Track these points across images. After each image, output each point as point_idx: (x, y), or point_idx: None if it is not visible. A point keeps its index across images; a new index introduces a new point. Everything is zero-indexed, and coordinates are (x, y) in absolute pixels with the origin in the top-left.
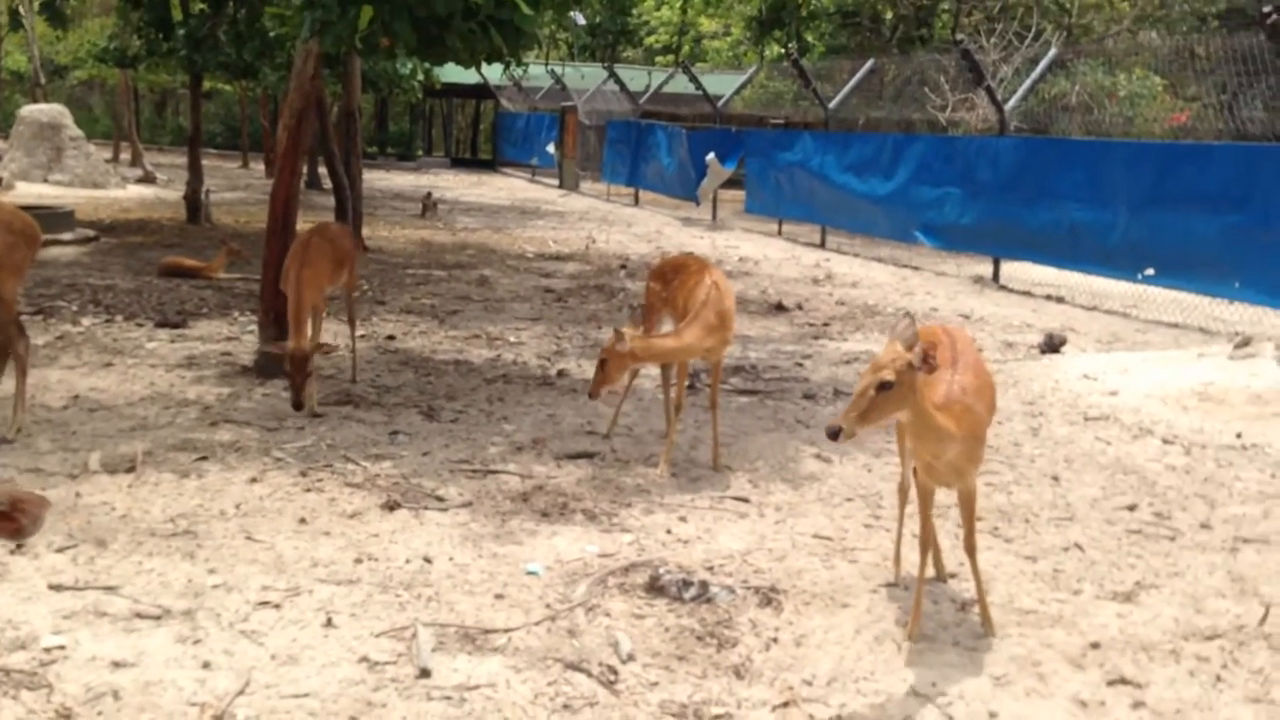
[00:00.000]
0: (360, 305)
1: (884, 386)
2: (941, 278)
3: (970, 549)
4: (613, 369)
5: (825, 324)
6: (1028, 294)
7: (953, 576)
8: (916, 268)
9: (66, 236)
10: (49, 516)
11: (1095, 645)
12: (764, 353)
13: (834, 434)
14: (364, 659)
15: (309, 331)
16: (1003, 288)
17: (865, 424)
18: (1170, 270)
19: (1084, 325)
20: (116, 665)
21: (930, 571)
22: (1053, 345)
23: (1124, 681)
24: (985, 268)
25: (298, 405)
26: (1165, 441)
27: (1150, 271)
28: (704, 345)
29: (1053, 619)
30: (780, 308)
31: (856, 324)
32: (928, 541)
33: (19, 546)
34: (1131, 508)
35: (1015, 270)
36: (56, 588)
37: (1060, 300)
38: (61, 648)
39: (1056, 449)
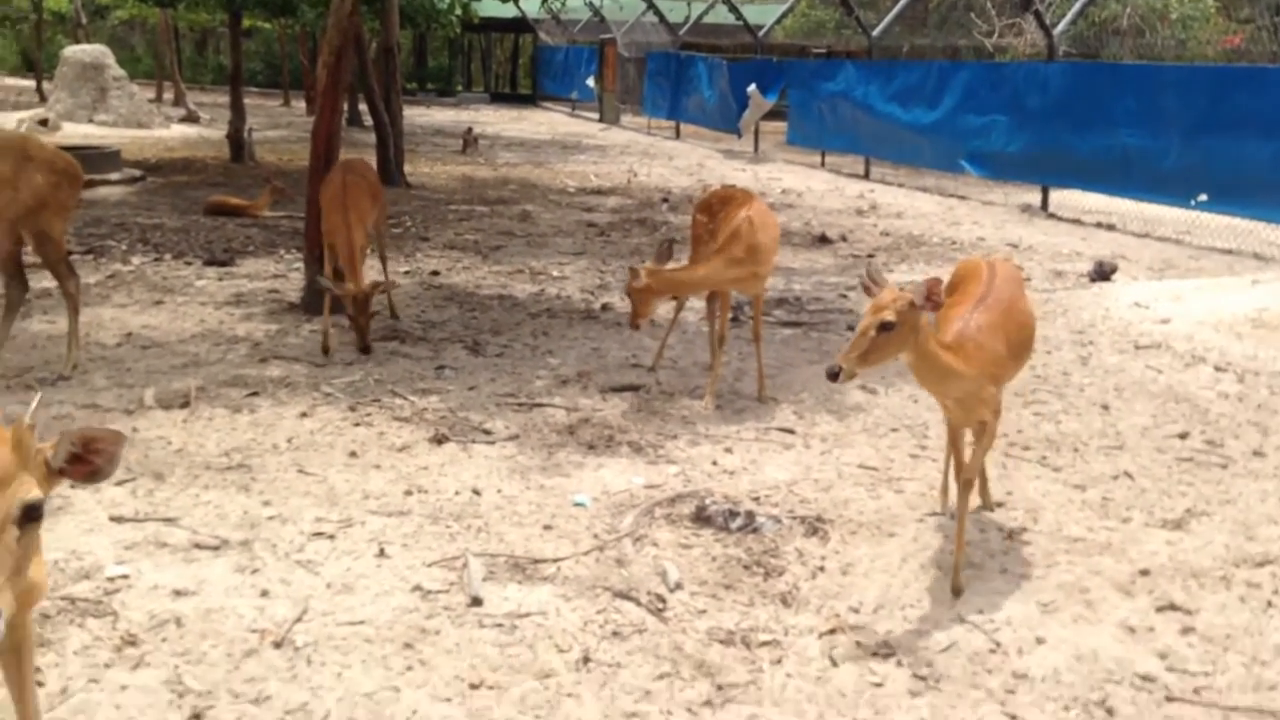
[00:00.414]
0: (404, 241)
1: (885, 327)
2: (988, 207)
3: (966, 483)
4: (639, 303)
5: (869, 255)
6: (1077, 222)
7: (999, 505)
8: (963, 197)
9: (113, 176)
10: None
11: (1144, 572)
12: (808, 285)
13: (834, 375)
14: (416, 588)
15: (361, 271)
16: (1051, 216)
17: (866, 365)
18: (1224, 196)
19: (1135, 253)
20: (178, 594)
21: (975, 501)
22: (1103, 273)
23: (1173, 608)
24: (1033, 196)
25: (364, 349)
26: (1218, 369)
27: (1203, 197)
28: (725, 278)
29: (1101, 546)
30: (824, 239)
31: (901, 255)
32: (969, 480)
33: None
34: (1183, 436)
35: (1064, 198)
36: (117, 519)
37: (1111, 228)
38: (125, 577)
39: (1106, 378)
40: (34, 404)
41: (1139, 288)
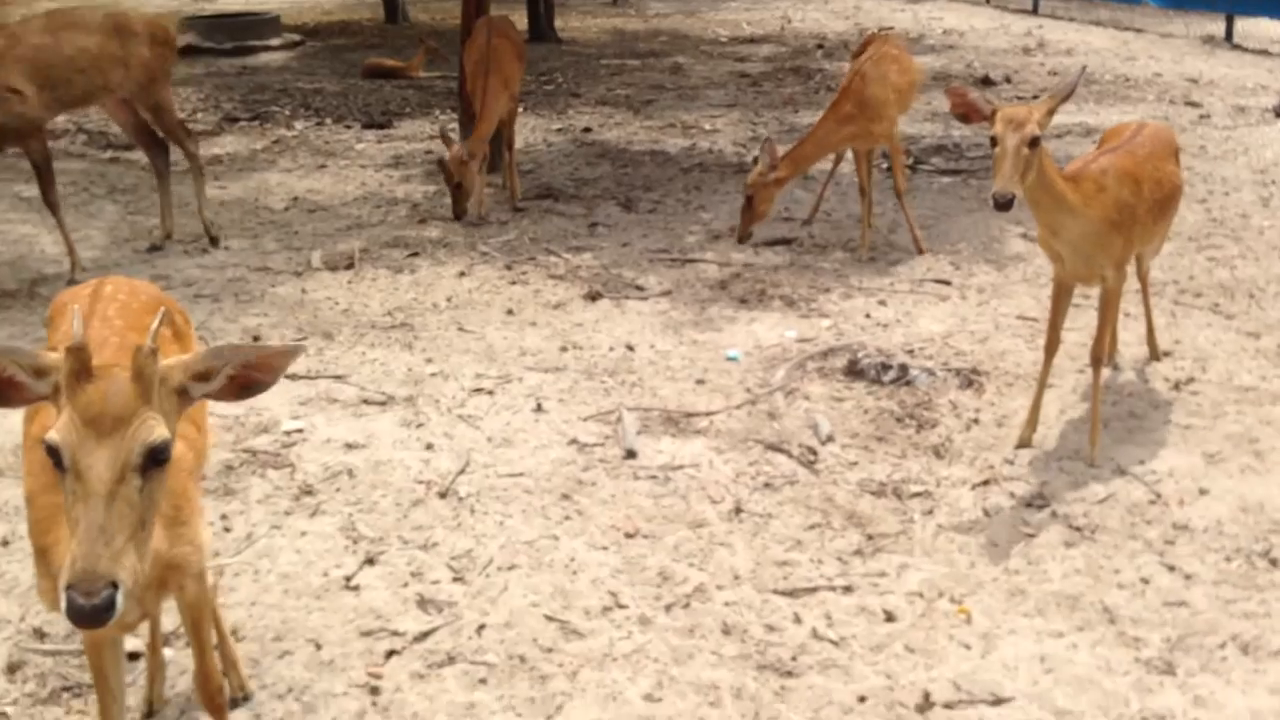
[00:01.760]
0: (555, 98)
1: (1035, 143)
2: (1167, 40)
3: (1096, 358)
4: (762, 200)
5: (1035, 96)
6: (1264, 53)
7: (1167, 354)
8: (1139, 30)
9: (274, 42)
10: (279, 311)
11: None
12: (968, 130)
13: (1005, 203)
14: (573, 441)
15: (488, 136)
16: (1236, 47)
17: (1025, 183)
18: None
19: None
20: (349, 447)
21: (1130, 356)
22: None
23: None
24: (1217, 26)
25: (456, 214)
26: None
27: None
28: (838, 138)
29: (1274, 396)
30: (987, 81)
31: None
32: (1053, 345)
33: (256, 340)
34: None
35: (1251, 27)
36: (291, 377)
37: None
38: (300, 431)
39: None
40: (155, 322)
41: None
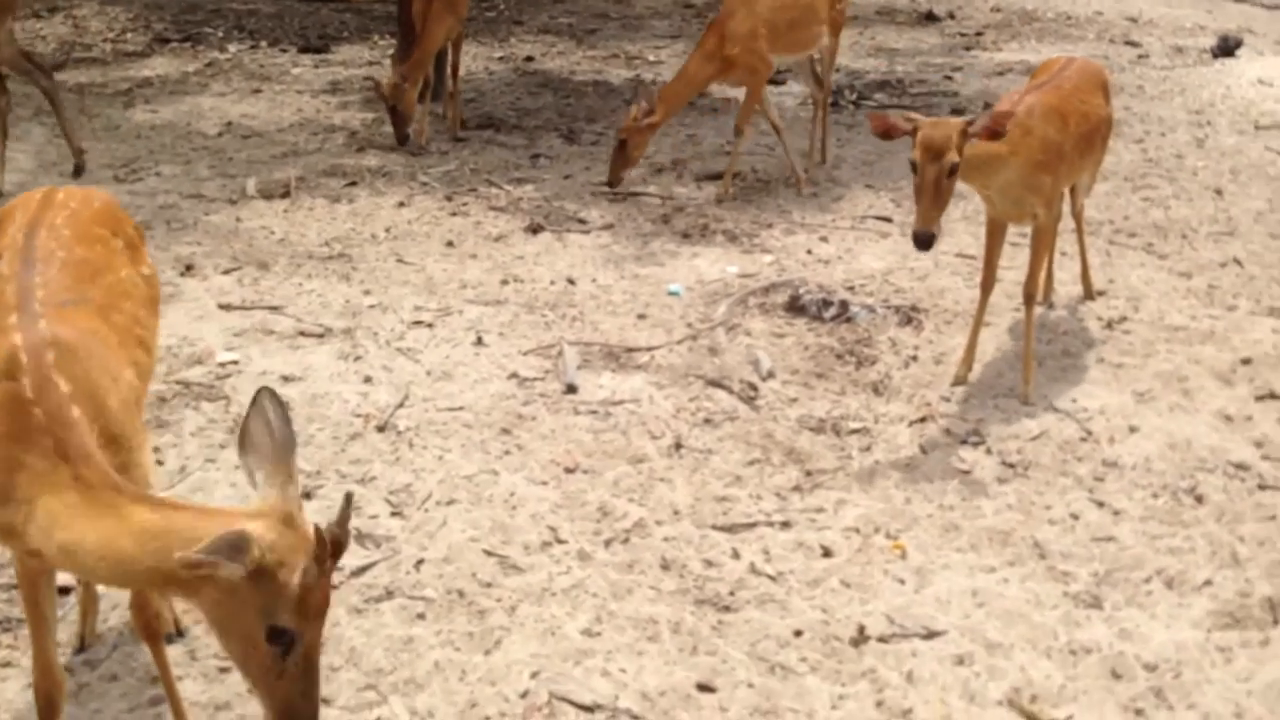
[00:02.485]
0: (497, 25)
1: (953, 172)
2: None
3: (1029, 296)
4: (635, 146)
5: (978, 33)
6: None
7: (1101, 294)
8: None
9: None
10: (213, 240)
11: (1246, 361)
12: (911, 66)
13: (927, 241)
14: (513, 375)
15: (428, 61)
16: None
17: (944, 210)
18: None
19: (1263, 25)
20: (286, 379)
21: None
22: (1226, 48)
23: (1273, 396)
24: None
25: (398, 139)
26: None
27: None
28: (706, 74)
29: (1204, 335)
30: (930, 17)
31: (1012, 32)
32: (988, 283)
33: (189, 269)
34: None
35: None
36: (226, 307)
37: None
38: (235, 363)
39: (1222, 160)
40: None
41: (1264, 63)
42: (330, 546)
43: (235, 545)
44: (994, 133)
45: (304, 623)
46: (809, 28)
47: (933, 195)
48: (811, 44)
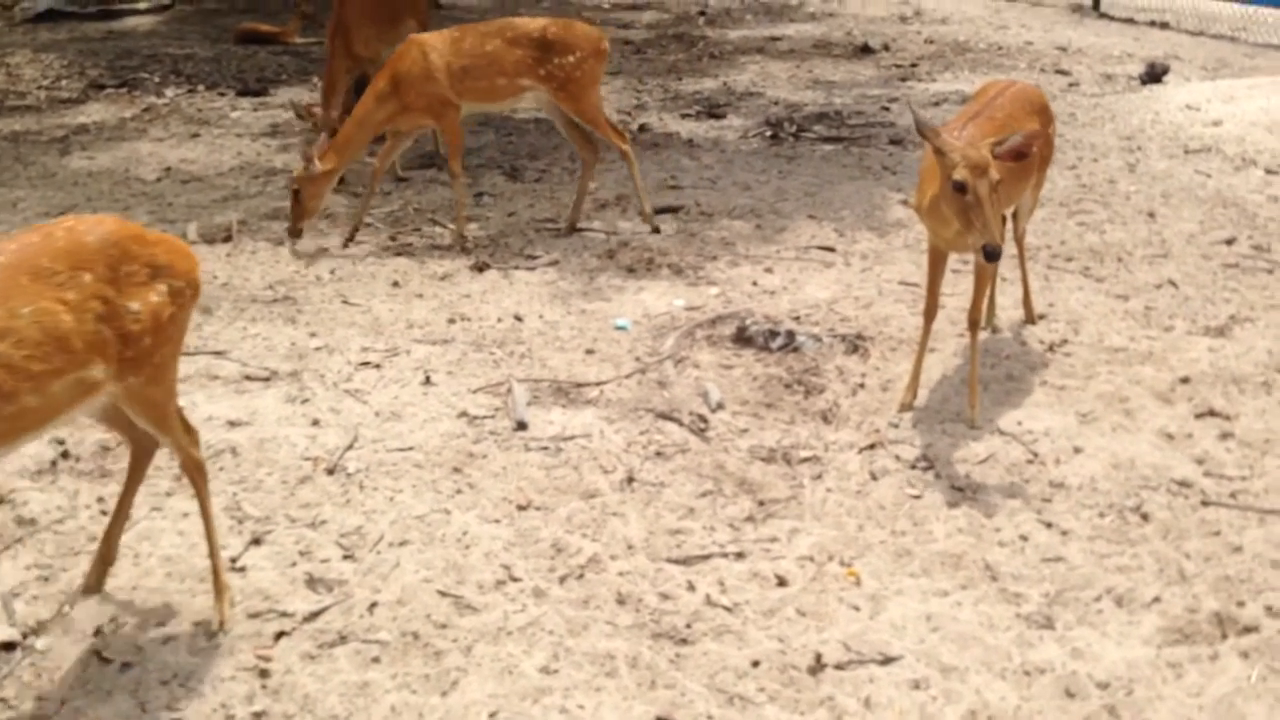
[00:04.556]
0: None
1: (996, 187)
2: (1037, 8)
3: (973, 323)
4: (310, 197)
5: (913, 64)
6: (1130, 21)
7: (1042, 318)
8: None
9: (141, 5)
10: None
11: (1185, 380)
12: (849, 98)
13: (998, 254)
14: (463, 414)
15: (334, 104)
16: (1103, 15)
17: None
18: None
19: (1189, 52)
20: (232, 424)
21: (999, 323)
22: (1154, 75)
23: (1213, 414)
24: None
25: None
26: (1269, 172)
27: None
28: (379, 117)
29: (1143, 355)
30: (866, 49)
31: (946, 63)
32: (932, 310)
33: None
34: (1229, 241)
35: None
36: None
37: (1165, 26)
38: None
39: (1154, 184)
40: None
41: (1191, 89)
42: None
43: None
44: (1019, 154)
45: None
46: (491, 79)
47: (991, 209)
48: (503, 95)
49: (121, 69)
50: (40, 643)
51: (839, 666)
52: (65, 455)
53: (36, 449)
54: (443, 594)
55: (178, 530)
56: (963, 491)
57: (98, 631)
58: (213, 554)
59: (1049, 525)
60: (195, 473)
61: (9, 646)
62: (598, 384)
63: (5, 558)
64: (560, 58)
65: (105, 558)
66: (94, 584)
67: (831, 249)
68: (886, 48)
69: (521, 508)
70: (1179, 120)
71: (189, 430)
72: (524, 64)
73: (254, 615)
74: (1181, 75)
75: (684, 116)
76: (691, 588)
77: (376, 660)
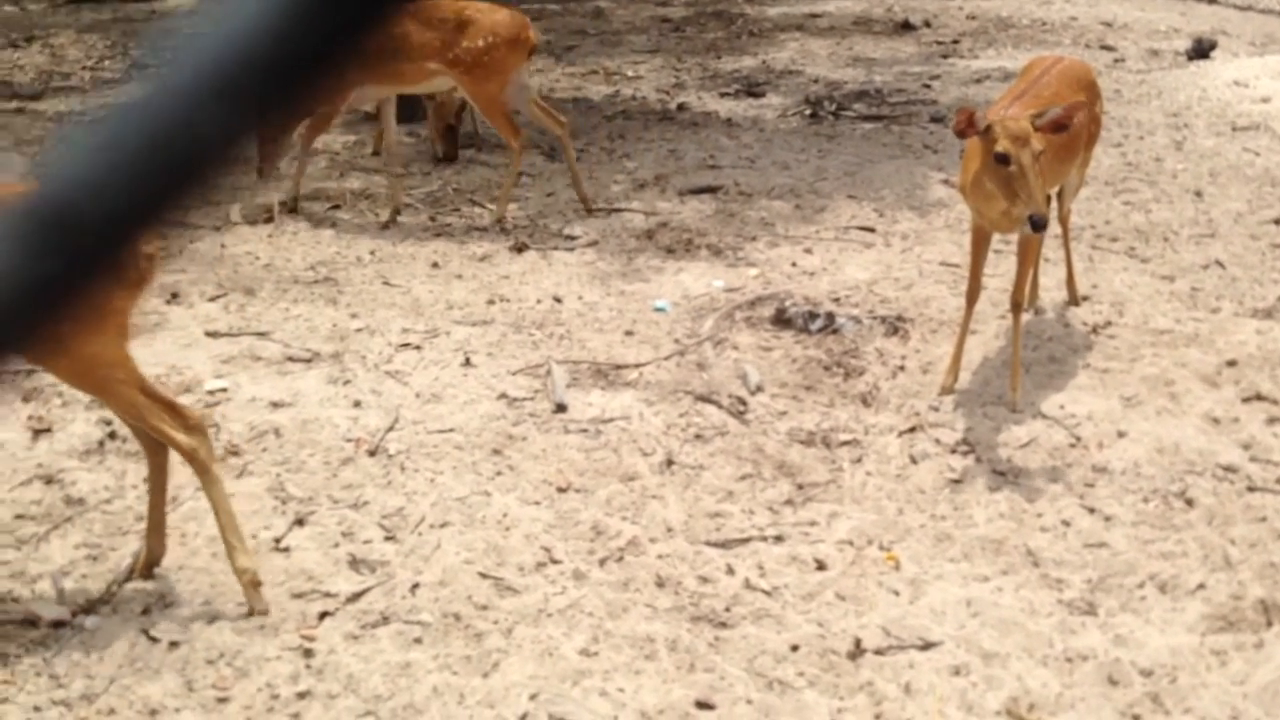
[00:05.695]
0: None
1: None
2: None
3: (1016, 304)
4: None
5: (955, 41)
6: None
7: (1086, 299)
8: None
9: None
10: (199, 267)
11: (1232, 363)
12: (889, 75)
13: (1045, 224)
14: (502, 395)
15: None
16: None
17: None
18: None
19: (1237, 27)
20: (275, 405)
21: (1046, 302)
22: (1201, 50)
23: (1259, 398)
24: None
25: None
26: None
27: None
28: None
29: (1188, 338)
30: (907, 26)
31: (989, 39)
32: (974, 292)
33: (175, 297)
34: (1278, 221)
35: None
36: (213, 335)
37: (1212, 1)
38: (224, 390)
39: (1201, 162)
40: None
41: (1239, 65)
42: None
43: None
44: (1060, 126)
45: None
46: (398, 62)
47: (1036, 179)
48: (414, 79)
49: (164, 49)
50: (89, 621)
51: (879, 651)
52: (113, 436)
53: (84, 429)
54: (483, 575)
55: None
56: (1004, 476)
57: (145, 610)
58: (226, 544)
59: (1091, 510)
60: (190, 459)
61: (59, 625)
62: (637, 366)
63: (54, 537)
64: (470, 41)
65: (153, 552)
66: (142, 575)
67: (871, 229)
68: (928, 24)
69: (561, 490)
70: (1226, 97)
71: (177, 413)
72: (431, 47)
73: (298, 595)
74: (1229, 50)
75: (723, 95)
76: (731, 571)
77: (419, 641)
